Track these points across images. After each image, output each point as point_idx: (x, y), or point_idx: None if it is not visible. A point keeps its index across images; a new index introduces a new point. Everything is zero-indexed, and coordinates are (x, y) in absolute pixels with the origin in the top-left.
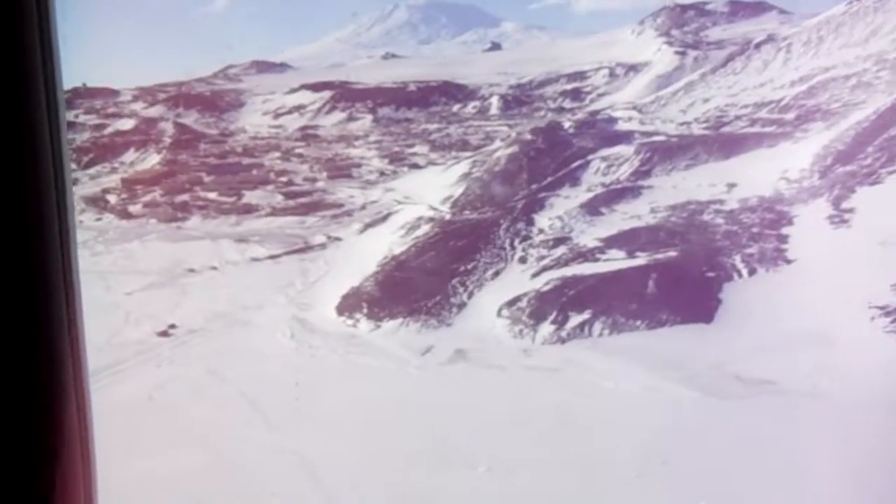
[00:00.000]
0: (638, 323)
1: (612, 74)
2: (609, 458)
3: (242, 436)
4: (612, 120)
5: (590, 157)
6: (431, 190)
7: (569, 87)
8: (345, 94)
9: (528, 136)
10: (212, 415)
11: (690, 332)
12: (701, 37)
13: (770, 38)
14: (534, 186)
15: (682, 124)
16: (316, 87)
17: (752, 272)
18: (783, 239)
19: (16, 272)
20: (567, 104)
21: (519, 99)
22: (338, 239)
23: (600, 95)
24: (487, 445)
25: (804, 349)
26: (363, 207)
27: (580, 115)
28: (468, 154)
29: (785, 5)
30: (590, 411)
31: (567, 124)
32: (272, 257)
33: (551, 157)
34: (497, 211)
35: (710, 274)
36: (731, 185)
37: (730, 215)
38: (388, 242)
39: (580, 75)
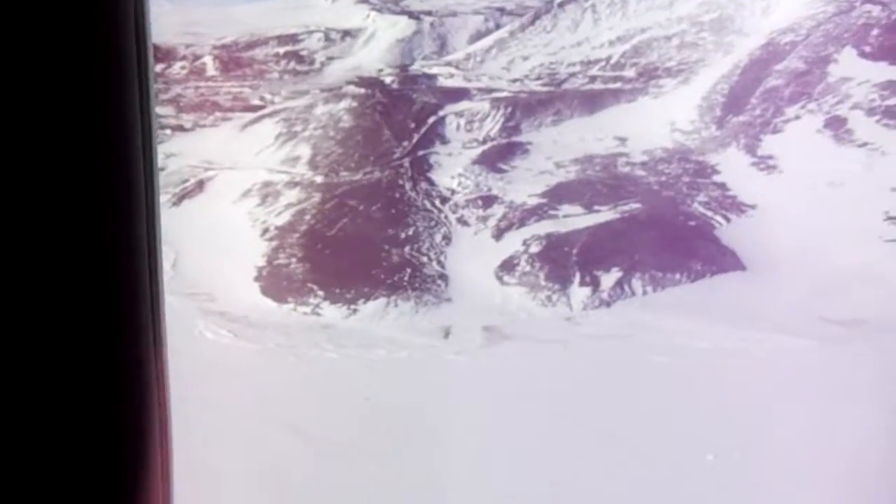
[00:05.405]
0: (677, 276)
1: (329, 39)
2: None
3: (309, 473)
4: (432, 77)
5: (441, 114)
6: (242, 154)
7: (281, 49)
8: None
9: (360, 90)
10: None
11: (737, 280)
12: (401, 6)
13: None
14: (405, 143)
15: (514, 81)
16: None
17: (726, 219)
18: (723, 187)
19: (104, 260)
20: (294, 66)
21: (234, 60)
22: None
23: (330, 59)
24: (669, 432)
25: (861, 286)
26: None
27: (388, 70)
28: (245, 115)
29: None
30: (719, 375)
31: (388, 79)
32: None
33: (403, 114)
34: (384, 171)
35: (692, 223)
36: (622, 139)
37: (645, 167)
38: (242, 212)
39: (291, 39)
